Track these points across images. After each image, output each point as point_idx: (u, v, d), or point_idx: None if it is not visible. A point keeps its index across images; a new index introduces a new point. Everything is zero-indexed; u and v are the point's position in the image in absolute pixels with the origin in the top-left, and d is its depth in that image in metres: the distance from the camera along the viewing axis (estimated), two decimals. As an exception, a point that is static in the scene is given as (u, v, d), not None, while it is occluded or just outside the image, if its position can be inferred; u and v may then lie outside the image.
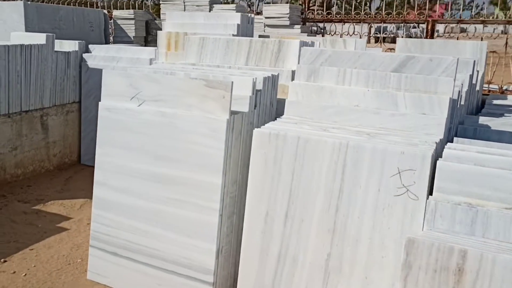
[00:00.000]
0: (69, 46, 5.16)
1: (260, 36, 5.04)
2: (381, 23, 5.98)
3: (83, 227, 3.65)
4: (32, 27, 5.58)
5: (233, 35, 4.17)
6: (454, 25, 7.27)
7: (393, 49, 5.07)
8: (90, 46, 5.17)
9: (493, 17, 7.79)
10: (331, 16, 6.50)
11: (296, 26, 6.15)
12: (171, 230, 2.63)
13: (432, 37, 5.53)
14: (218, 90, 2.47)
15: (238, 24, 4.21)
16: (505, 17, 7.07)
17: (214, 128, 2.48)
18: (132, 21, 6.52)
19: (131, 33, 6.53)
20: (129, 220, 2.76)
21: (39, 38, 4.76)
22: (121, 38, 6.61)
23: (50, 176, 4.79)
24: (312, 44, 3.32)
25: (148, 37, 6.76)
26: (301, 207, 2.20)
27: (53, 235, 3.49)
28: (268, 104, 2.82)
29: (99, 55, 5.01)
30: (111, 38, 6.72)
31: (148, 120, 2.66)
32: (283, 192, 2.23)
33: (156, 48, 4.83)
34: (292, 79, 3.04)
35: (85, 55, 5.10)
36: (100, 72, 5.18)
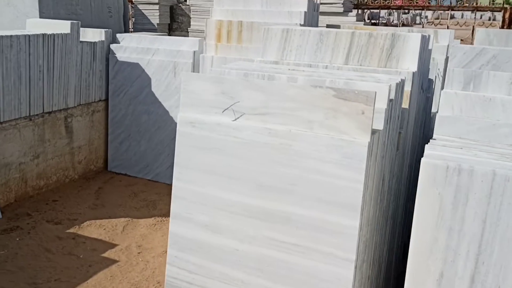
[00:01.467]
0: (93, 35, 4.47)
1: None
2: (448, 10, 5.38)
3: (134, 257, 3.03)
4: (47, 13, 4.86)
5: (301, 24, 3.54)
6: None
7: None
8: (118, 35, 4.48)
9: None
10: (388, 2, 5.86)
11: (350, 14, 5.51)
12: (282, 284, 2.03)
13: (510, 26, 4.96)
14: (355, 103, 1.86)
15: (305, 12, 3.59)
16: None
17: (348, 153, 1.87)
18: (156, 6, 5.81)
19: (155, 19, 5.83)
20: (220, 267, 2.15)
21: (62, 26, 4.07)
22: (143, 25, 5.91)
23: (76, 188, 4.13)
24: (427, 39, 2.71)
25: (173, 24, 6.06)
26: (497, 269, 1.62)
27: (101, 270, 2.87)
28: (396, 119, 2.22)
29: (130, 46, 4.33)
30: (131, 25, 6.01)
31: (249, 139, 2.04)
32: (469, 248, 1.64)
33: (200, 39, 4.17)
34: (413, 83, 2.43)
35: (112, 46, 4.42)
36: (132, 66, 4.54)
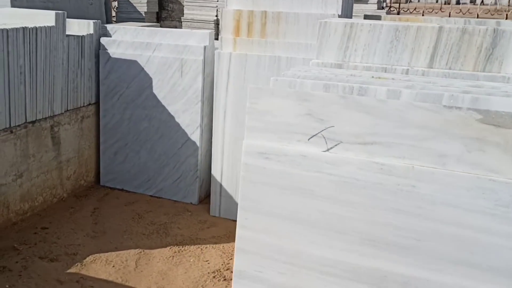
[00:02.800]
0: (80, 27, 3.80)
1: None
2: None
3: (159, 306, 2.47)
4: (20, 1, 4.15)
5: (339, 15, 3.01)
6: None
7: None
8: (109, 27, 3.82)
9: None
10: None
11: (371, 1, 4.98)
12: None
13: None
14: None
15: (341, 0, 3.06)
16: None
17: (503, 200, 1.38)
18: (143, -8, 5.13)
19: (142, 7, 5.14)
20: None
21: (44, 18, 3.39)
22: (128, 14, 5.22)
23: (67, 209, 3.50)
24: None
25: (162, 13, 5.39)
26: None
27: (122, 327, 2.30)
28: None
29: (125, 41, 3.69)
30: (114, 14, 5.31)
31: (350, 177, 1.52)
32: None
33: (210, 31, 3.57)
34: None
35: (103, 41, 3.76)
36: (128, 64, 3.83)
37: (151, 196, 3.77)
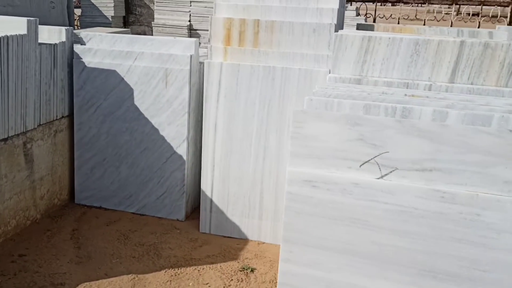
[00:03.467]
0: (50, 34, 3.52)
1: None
2: (452, 4, 5.04)
3: None
4: (-22, 5, 3.81)
5: (335, 24, 2.93)
6: None
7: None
8: (82, 34, 3.56)
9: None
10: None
11: (350, 8, 4.93)
12: None
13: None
14: None
15: (337, 9, 2.98)
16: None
17: None
18: (109, -5, 4.84)
19: (109, 11, 4.86)
20: None
21: (14, 24, 3.10)
22: (93, 18, 4.92)
23: (44, 232, 3.23)
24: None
25: (129, 17, 5.12)
26: None
27: None
28: None
29: (101, 49, 3.45)
30: (77, 18, 4.99)
31: (408, 206, 1.44)
32: None
33: (195, 39, 3.40)
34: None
35: (77, 49, 3.50)
36: (106, 74, 3.51)
37: (133, 213, 3.55)
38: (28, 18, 3.12)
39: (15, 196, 3.14)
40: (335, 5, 3.02)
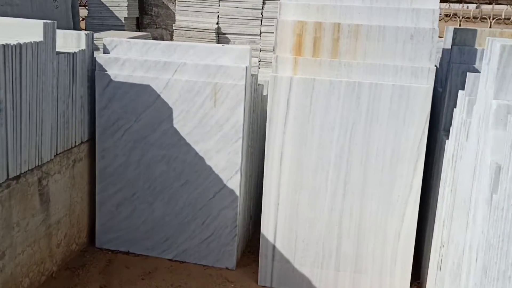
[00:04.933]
0: (65, 40, 2.84)
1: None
2: None
3: None
4: (-28, 4, 3.10)
5: (435, 29, 2.35)
6: None
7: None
8: (106, 41, 2.89)
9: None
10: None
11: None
12: None
13: None
14: None
15: (438, 11, 2.39)
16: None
17: None
18: (122, -6, 4.13)
19: (122, 12, 4.16)
20: None
21: (28, 29, 2.42)
22: (102, 20, 4.22)
23: (64, 291, 2.55)
24: None
25: (143, 18, 4.43)
26: None
27: None
28: None
29: (131, 59, 2.78)
30: (83, 19, 4.28)
31: None
32: None
33: (249, 47, 2.77)
34: None
35: (100, 59, 2.83)
36: (138, 90, 2.75)
37: (170, 260, 2.90)
38: (45, 21, 2.44)
39: (28, 249, 2.45)
40: (435, 5, 2.44)
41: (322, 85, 2.45)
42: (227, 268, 2.83)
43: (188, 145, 2.77)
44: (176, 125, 2.77)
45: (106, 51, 2.87)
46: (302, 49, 2.49)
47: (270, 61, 4.33)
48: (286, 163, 2.57)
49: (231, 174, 2.75)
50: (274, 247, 2.66)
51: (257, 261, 2.73)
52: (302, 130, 2.51)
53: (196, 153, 2.77)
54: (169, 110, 2.76)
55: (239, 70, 2.66)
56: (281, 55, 2.51)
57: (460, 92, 2.17)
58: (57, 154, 2.64)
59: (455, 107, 2.23)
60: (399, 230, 2.53)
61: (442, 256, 2.20)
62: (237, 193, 2.76)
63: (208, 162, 2.77)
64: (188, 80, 2.72)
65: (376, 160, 2.48)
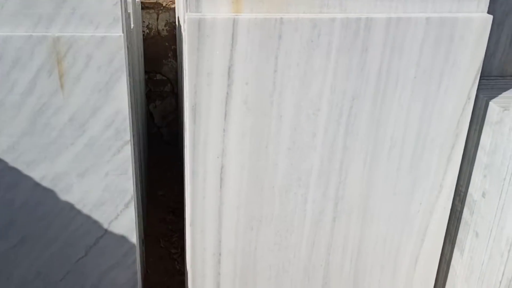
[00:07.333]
0: None
1: None
2: None
3: None
4: None
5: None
6: None
7: None
8: None
9: None
10: None
11: None
12: None
13: None
14: None
15: None
16: None
17: None
18: None
19: None
20: None
21: None
22: None
23: None
24: None
25: None
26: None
27: None
28: None
29: None
30: None
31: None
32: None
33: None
34: None
35: None
36: None
37: None
38: None
39: None
40: None
41: (297, 29, 1.20)
42: None
43: (15, 171, 1.33)
44: None
45: None
46: (247, -45, 1.17)
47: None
48: (229, 183, 1.34)
49: (117, 210, 1.42)
50: (217, 323, 1.50)
51: None
52: (260, 122, 1.28)
53: (36, 185, 1.35)
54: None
55: (108, 6, 1.23)
56: (203, -29, 1.16)
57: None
58: None
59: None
60: (416, 253, 1.57)
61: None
62: (133, 239, 1.47)
63: (65, 198, 1.38)
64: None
65: (389, 156, 1.40)
